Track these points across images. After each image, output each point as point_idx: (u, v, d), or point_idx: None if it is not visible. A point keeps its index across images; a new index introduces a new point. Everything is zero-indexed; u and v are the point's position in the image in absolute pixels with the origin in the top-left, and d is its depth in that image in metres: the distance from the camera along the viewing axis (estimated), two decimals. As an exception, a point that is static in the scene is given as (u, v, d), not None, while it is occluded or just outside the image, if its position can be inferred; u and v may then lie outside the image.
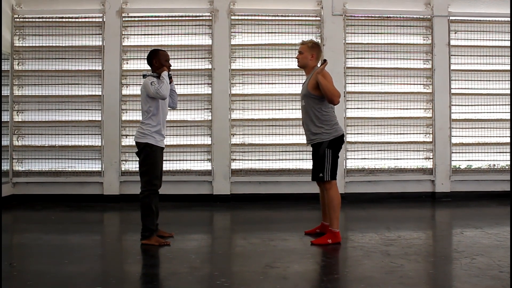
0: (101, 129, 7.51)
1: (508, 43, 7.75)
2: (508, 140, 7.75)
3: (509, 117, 7.70)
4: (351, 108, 7.60)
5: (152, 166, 4.82)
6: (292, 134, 7.42)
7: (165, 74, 4.87)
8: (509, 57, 7.72)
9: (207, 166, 7.57)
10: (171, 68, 5.06)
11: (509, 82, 7.62)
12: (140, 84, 7.51)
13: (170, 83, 4.99)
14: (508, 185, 7.60)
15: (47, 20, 7.59)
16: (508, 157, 7.76)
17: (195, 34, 7.62)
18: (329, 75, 4.88)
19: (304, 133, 5.11)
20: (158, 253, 4.54)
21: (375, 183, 7.63)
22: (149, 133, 4.83)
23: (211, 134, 7.53)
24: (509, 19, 7.70)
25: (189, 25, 7.62)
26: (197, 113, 7.57)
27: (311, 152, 5.06)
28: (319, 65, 5.04)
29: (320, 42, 7.58)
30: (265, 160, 7.60)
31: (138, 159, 4.93)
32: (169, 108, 5.18)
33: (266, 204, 7.19)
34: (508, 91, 7.73)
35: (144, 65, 7.53)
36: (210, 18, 7.57)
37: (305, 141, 5.11)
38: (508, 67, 7.74)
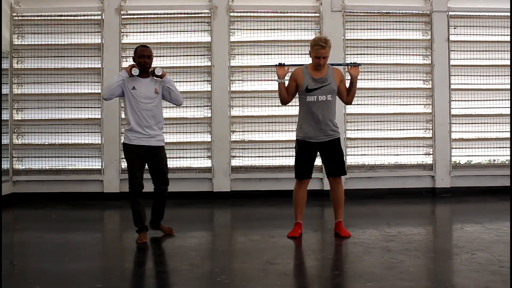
0: (101, 127, 7.51)
1: (507, 38, 7.73)
2: (507, 135, 7.74)
3: (508, 112, 7.69)
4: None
5: (128, 165, 4.88)
6: (292, 130, 7.35)
7: (122, 73, 4.86)
8: (509, 52, 7.71)
9: (207, 163, 7.57)
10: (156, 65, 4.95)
11: (509, 77, 7.60)
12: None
13: (161, 77, 4.88)
14: (508, 180, 7.60)
15: (46, 18, 7.58)
16: (508, 152, 7.76)
17: (194, 31, 7.61)
18: None
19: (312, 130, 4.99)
20: (159, 250, 4.55)
21: (375, 179, 7.63)
22: (125, 132, 4.89)
23: (211, 131, 7.53)
24: (508, 14, 7.68)
25: (188, 22, 7.61)
26: (197, 110, 7.57)
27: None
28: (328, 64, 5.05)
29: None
30: (265, 157, 7.60)
31: None
32: (174, 105, 5.18)
33: (266, 201, 7.19)
34: (507, 86, 7.72)
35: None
36: (209, 15, 7.56)
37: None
38: (507, 62, 7.72)
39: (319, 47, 4.85)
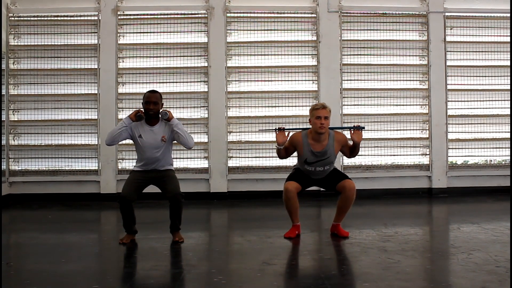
0: (97, 128, 7.50)
1: (503, 39, 7.76)
2: (504, 135, 7.76)
3: (505, 113, 7.72)
4: (347, 105, 7.61)
5: (127, 179, 4.88)
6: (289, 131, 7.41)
7: (125, 119, 4.75)
8: (506, 53, 7.73)
9: (204, 164, 7.57)
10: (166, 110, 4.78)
11: (509, 78, 7.62)
12: (136, 82, 7.54)
13: (168, 120, 4.77)
14: (505, 180, 7.62)
15: (42, 18, 7.58)
16: (505, 152, 7.78)
17: (191, 31, 7.62)
18: None
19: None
20: (155, 251, 4.54)
21: (372, 180, 7.65)
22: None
23: (207, 132, 7.53)
24: (504, 14, 7.71)
25: (185, 22, 7.61)
26: (194, 111, 7.57)
27: None
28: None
29: (316, 39, 7.59)
30: (262, 157, 7.60)
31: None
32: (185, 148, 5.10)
33: (263, 201, 7.19)
34: (504, 87, 7.75)
35: (140, 63, 7.58)
36: (206, 15, 7.56)
37: None
38: (504, 63, 7.75)
39: (319, 108, 4.79)
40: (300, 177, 4.96)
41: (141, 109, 4.81)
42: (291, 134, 4.97)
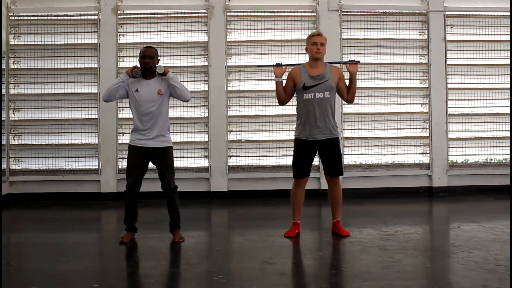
0: (97, 127, 7.49)
1: (503, 38, 7.75)
2: (504, 134, 7.76)
3: (505, 111, 7.71)
4: (347, 104, 7.58)
5: (126, 165, 4.88)
6: (289, 130, 7.40)
7: (122, 75, 4.83)
8: (506, 52, 7.72)
9: (204, 163, 7.57)
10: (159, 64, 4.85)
11: (509, 77, 7.61)
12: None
13: (164, 75, 4.80)
14: (505, 179, 7.61)
15: (42, 18, 7.57)
16: (506, 151, 7.77)
17: (191, 31, 7.61)
18: None
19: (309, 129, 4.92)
20: (155, 250, 4.54)
21: (372, 179, 7.64)
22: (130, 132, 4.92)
23: (208, 131, 7.53)
24: (504, 13, 7.70)
25: (185, 22, 7.60)
26: (194, 110, 7.56)
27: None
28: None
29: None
30: (262, 156, 7.60)
31: None
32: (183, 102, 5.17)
33: (264, 201, 7.19)
34: (504, 85, 7.73)
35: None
36: (206, 14, 7.55)
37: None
38: (504, 62, 7.74)
39: (314, 35, 4.94)
40: (303, 152, 4.93)
41: (138, 66, 4.84)
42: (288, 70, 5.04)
